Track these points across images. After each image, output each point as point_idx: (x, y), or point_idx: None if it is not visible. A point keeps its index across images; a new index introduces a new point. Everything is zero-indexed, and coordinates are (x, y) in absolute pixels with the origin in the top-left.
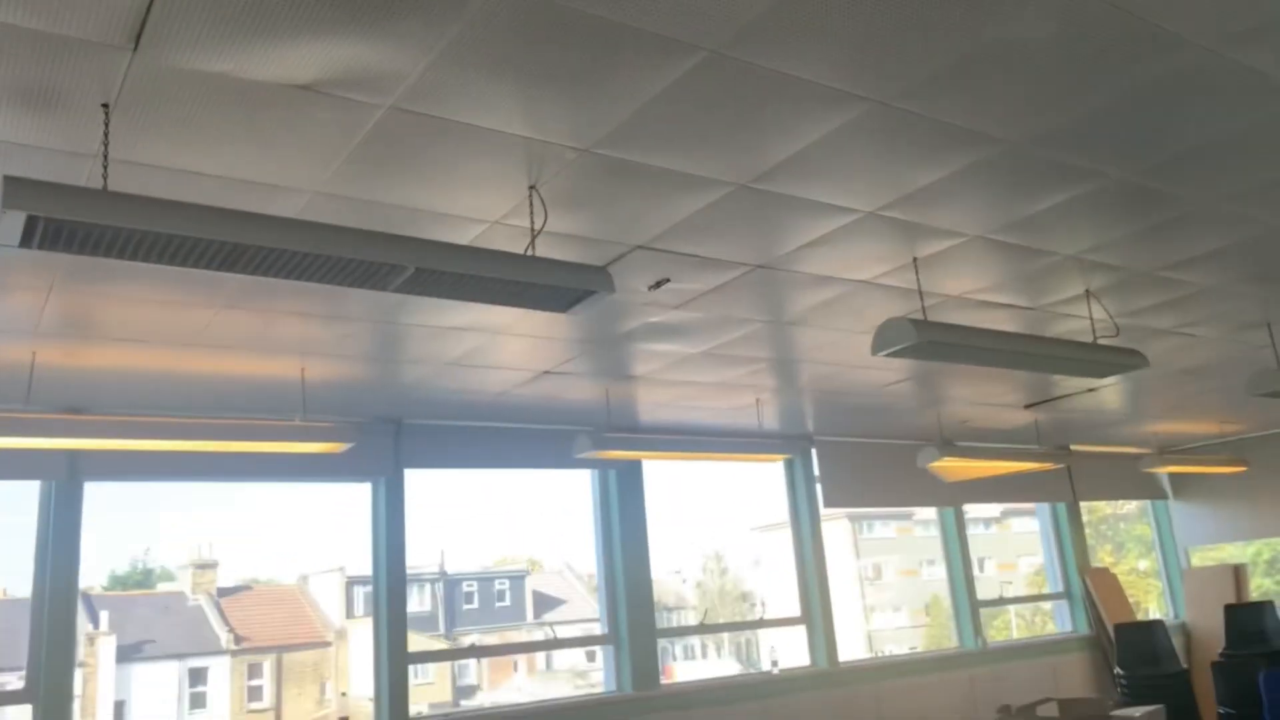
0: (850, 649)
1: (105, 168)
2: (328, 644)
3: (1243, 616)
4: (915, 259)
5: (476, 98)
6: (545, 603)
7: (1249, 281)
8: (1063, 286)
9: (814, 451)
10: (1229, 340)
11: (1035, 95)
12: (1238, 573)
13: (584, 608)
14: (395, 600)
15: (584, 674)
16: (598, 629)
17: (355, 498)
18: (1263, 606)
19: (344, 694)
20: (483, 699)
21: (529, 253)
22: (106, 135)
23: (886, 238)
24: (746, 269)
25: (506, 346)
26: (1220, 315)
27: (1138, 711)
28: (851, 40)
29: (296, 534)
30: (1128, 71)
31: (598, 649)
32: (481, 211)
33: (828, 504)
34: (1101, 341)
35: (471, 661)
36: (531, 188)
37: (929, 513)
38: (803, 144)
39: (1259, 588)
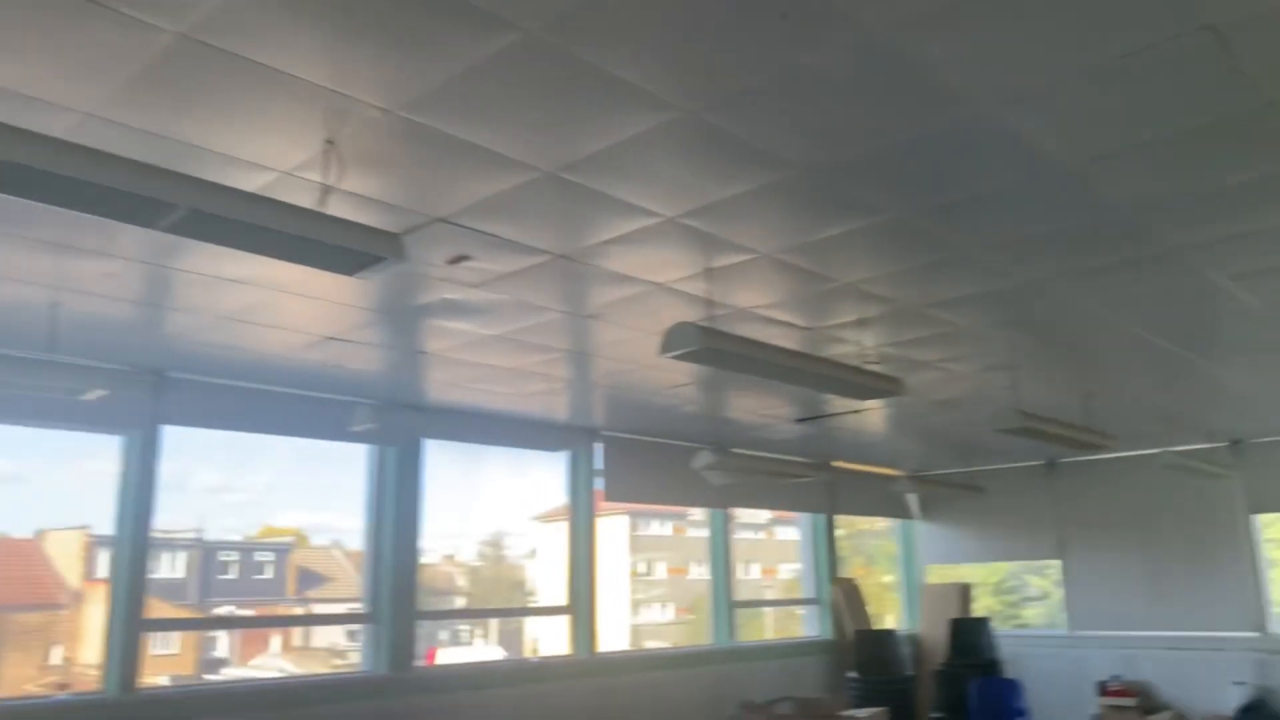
0: (614, 641)
1: None
2: (60, 606)
3: (965, 630)
4: (709, 268)
5: (278, 40)
6: (309, 579)
7: (1000, 327)
8: (839, 311)
9: (599, 445)
10: (979, 378)
11: (830, 127)
12: (964, 591)
13: (350, 587)
14: (136, 563)
15: (343, 653)
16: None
17: (111, 451)
18: (981, 622)
19: (69, 661)
20: (231, 674)
21: (319, 209)
22: None
23: (684, 245)
24: (548, 257)
25: (290, 306)
26: (973, 355)
27: (864, 713)
28: (667, 47)
29: (37, 485)
30: (914, 118)
31: (360, 628)
32: (272, 159)
33: (609, 498)
34: (867, 366)
35: (223, 634)
36: (329, 141)
37: (703, 514)
38: (612, 141)
39: (987, 607)
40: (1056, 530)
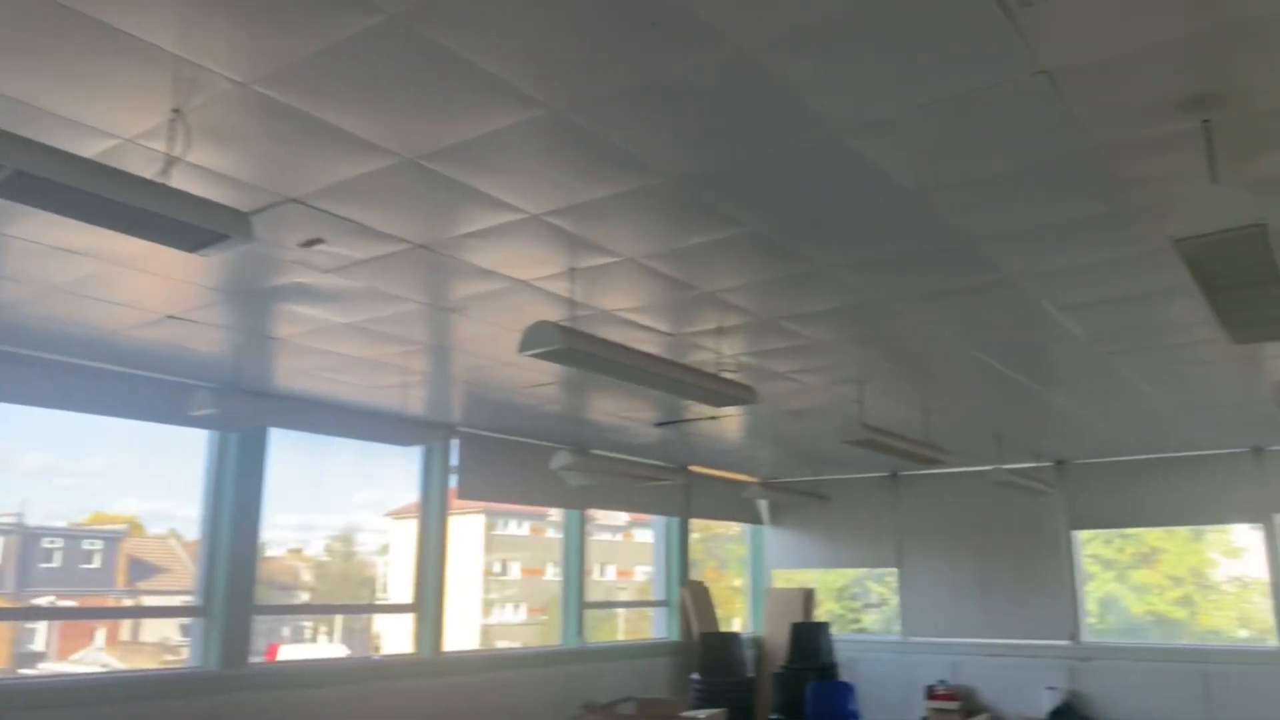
0: (463, 641)
1: None
2: None
3: (805, 634)
4: (573, 268)
5: None
6: (142, 569)
7: (851, 343)
8: (699, 319)
9: (455, 442)
10: (829, 390)
11: (696, 138)
12: (807, 596)
13: (186, 579)
14: None
15: (176, 649)
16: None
17: None
18: (821, 626)
19: None
20: (48, 668)
21: (161, 180)
22: None
23: (548, 243)
24: (407, 246)
25: (129, 281)
26: (825, 368)
27: (703, 714)
28: (536, 43)
29: None
30: (776, 136)
31: (191, 622)
32: (114, 125)
33: (462, 495)
34: (724, 374)
35: (42, 626)
36: (176, 111)
37: (561, 514)
38: (477, 133)
39: (829, 611)
40: (896, 539)
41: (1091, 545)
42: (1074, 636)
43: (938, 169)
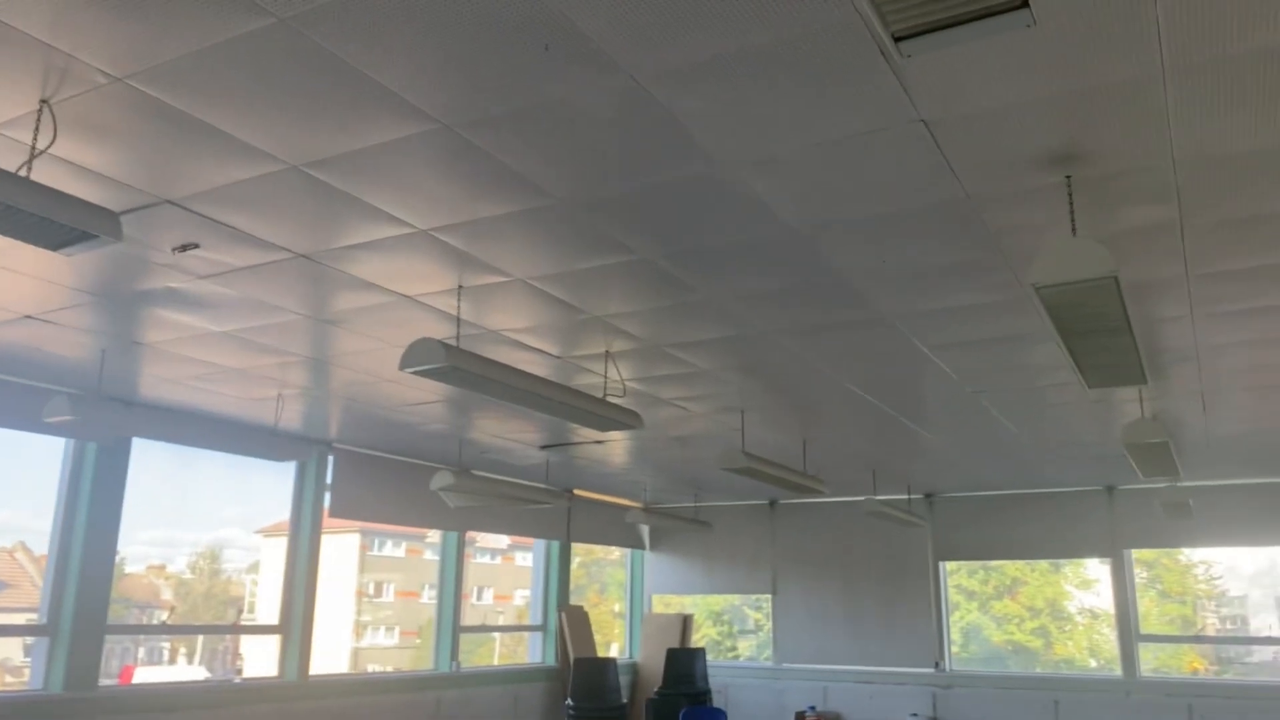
0: (333, 664)
1: None
2: None
3: (680, 660)
4: (460, 286)
5: None
6: None
7: (735, 371)
8: (588, 343)
9: (330, 458)
10: (712, 418)
11: (587, 162)
12: (685, 621)
13: (35, 595)
14: None
15: (18, 669)
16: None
17: None
18: (697, 652)
19: None
20: None
21: (22, 173)
22: None
23: (436, 259)
24: (288, 255)
25: None
26: (710, 396)
27: None
28: (430, 57)
29: None
30: (665, 165)
31: (36, 641)
32: None
33: (334, 514)
34: (611, 399)
35: None
36: (44, 102)
37: (439, 536)
38: (365, 144)
39: (706, 636)
40: (772, 566)
41: (956, 576)
42: (938, 664)
43: (820, 207)
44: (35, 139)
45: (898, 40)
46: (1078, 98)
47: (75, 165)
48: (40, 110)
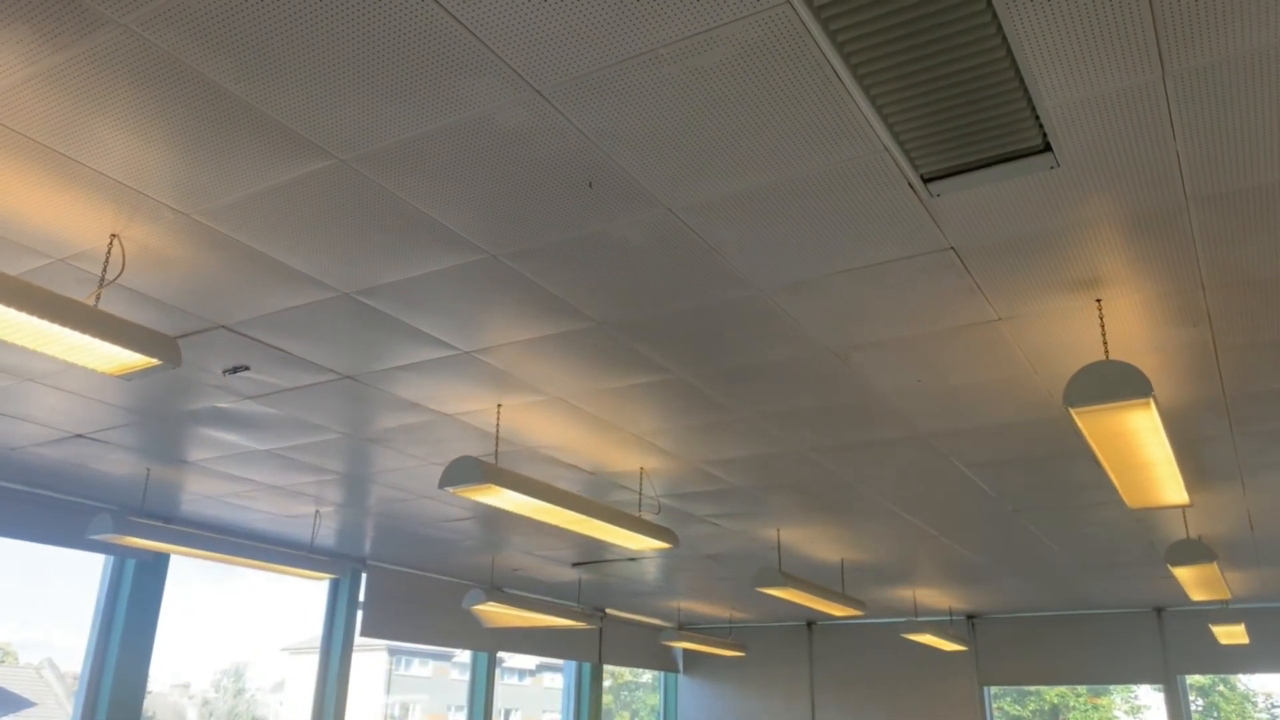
0: None
1: None
2: None
3: None
4: (500, 405)
5: (70, 127)
6: (8, 701)
7: (768, 489)
8: (623, 460)
9: (364, 575)
10: (746, 537)
11: (625, 289)
12: None
13: (59, 713)
14: None
15: None
16: None
17: None
18: None
19: None
20: None
21: (91, 301)
22: None
23: (477, 379)
24: (334, 376)
25: (39, 397)
26: (743, 513)
27: None
28: (480, 195)
29: None
30: (699, 292)
31: None
32: (50, 245)
33: (366, 633)
34: (645, 516)
35: None
36: (114, 236)
37: (467, 656)
38: (415, 273)
39: None
40: (809, 692)
41: (999, 700)
42: None
43: (852, 329)
44: (105, 269)
45: (927, 181)
46: (1104, 226)
47: (138, 292)
48: (110, 243)
